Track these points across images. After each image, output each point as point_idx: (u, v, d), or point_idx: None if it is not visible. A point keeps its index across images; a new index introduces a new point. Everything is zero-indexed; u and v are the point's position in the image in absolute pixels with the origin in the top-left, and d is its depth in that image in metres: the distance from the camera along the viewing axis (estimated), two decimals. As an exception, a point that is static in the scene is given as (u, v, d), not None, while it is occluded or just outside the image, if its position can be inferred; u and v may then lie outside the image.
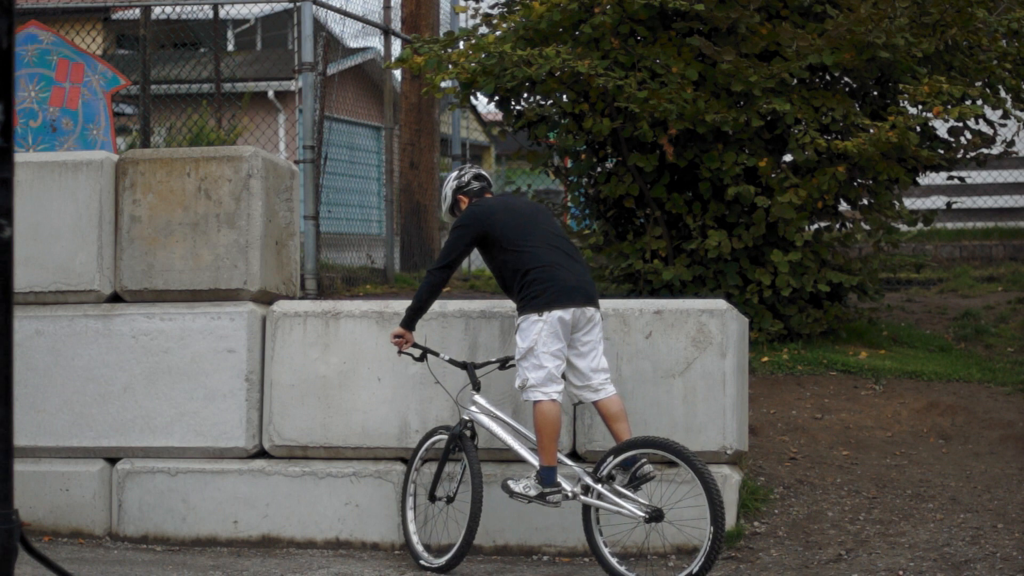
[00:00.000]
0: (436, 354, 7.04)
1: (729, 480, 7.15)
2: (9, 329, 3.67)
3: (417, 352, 7.01)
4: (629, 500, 6.48)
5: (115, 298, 7.92)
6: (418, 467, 7.13)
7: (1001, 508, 7.30)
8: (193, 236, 7.71)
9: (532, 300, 6.56)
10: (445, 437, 7.00)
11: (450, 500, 7.02)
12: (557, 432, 6.59)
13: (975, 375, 9.25)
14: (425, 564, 6.96)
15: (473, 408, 6.91)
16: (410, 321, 6.93)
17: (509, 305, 7.40)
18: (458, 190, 7.09)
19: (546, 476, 6.59)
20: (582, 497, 6.57)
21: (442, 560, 6.87)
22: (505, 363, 6.99)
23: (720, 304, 7.28)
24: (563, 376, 6.67)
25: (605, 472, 6.53)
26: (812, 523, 7.21)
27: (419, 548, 7.03)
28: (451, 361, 7.01)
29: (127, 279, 7.82)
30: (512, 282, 6.72)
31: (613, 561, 6.56)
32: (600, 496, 6.52)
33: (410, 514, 7.10)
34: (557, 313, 6.53)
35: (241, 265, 7.67)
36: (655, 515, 6.43)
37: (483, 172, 7.12)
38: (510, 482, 6.72)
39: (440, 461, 7.00)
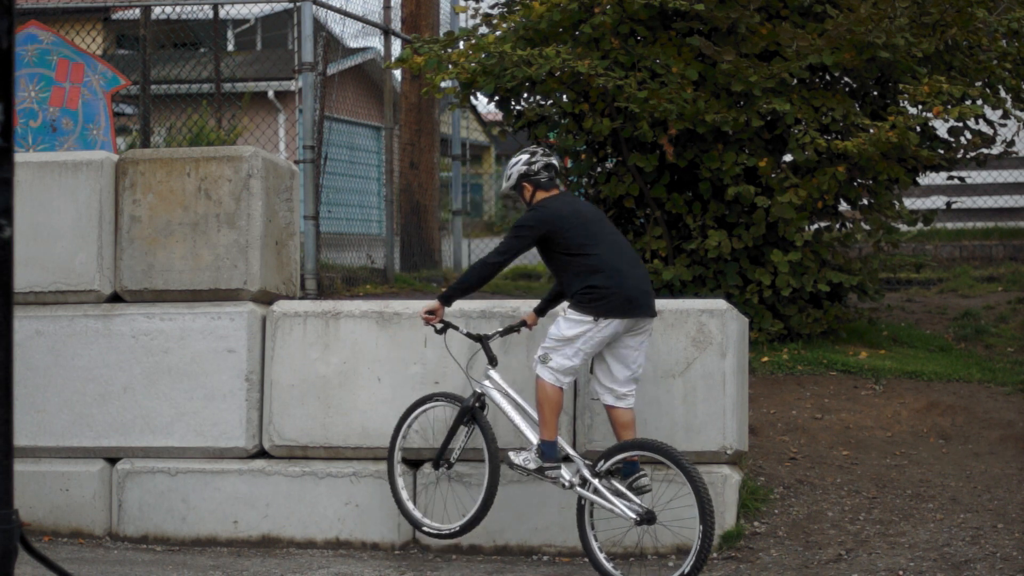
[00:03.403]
0: (456, 328, 7.03)
1: (729, 480, 7.15)
2: (9, 329, 3.67)
3: (439, 325, 6.98)
4: (623, 500, 6.50)
5: (115, 298, 7.92)
6: (404, 434, 7.13)
7: (1001, 508, 7.30)
8: (193, 236, 7.71)
9: (592, 303, 6.50)
10: (441, 405, 7.05)
11: (450, 466, 7.02)
12: (559, 408, 6.62)
13: (975, 375, 9.25)
14: (429, 531, 6.99)
15: (487, 383, 6.90)
16: (449, 299, 6.87)
17: (509, 305, 7.41)
18: (524, 176, 6.90)
19: (546, 450, 6.60)
20: (579, 489, 6.59)
21: (454, 526, 6.91)
22: (507, 332, 7.06)
23: (720, 304, 7.28)
24: (591, 371, 6.74)
25: (604, 468, 6.55)
26: (812, 523, 7.21)
27: (417, 514, 7.07)
28: (468, 334, 7.01)
29: (127, 279, 7.82)
30: (573, 280, 6.61)
31: (601, 556, 6.60)
32: (596, 491, 6.54)
33: (400, 481, 7.12)
34: (614, 323, 6.51)
35: (241, 265, 7.68)
36: (647, 517, 6.46)
37: (553, 162, 6.93)
38: (511, 454, 6.73)
39: (452, 429, 6.98)
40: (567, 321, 6.57)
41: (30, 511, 7.71)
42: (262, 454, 7.74)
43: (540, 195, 6.86)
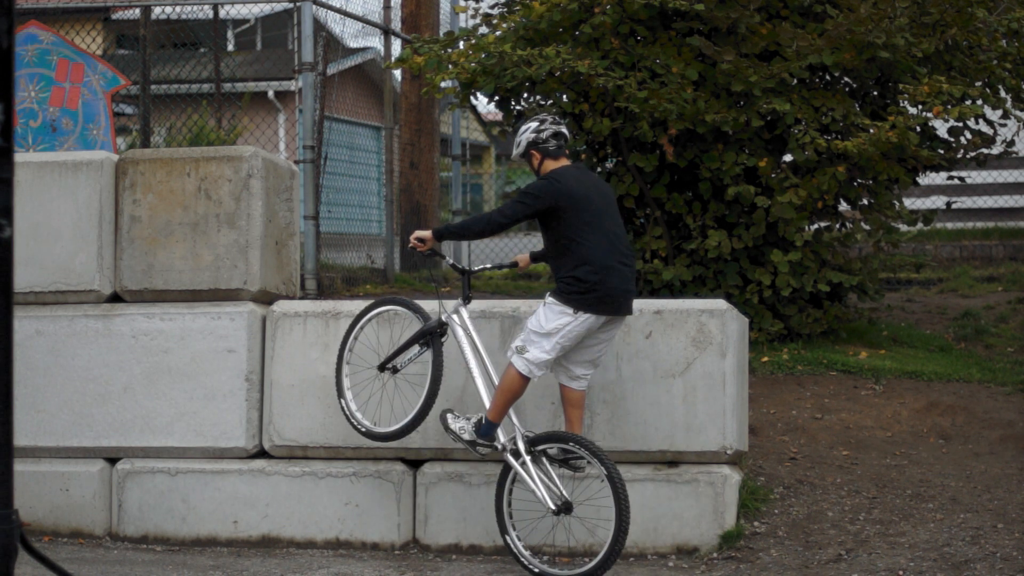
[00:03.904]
0: (442, 256, 7.17)
1: (729, 480, 7.15)
2: (9, 329, 3.67)
3: (427, 251, 6.99)
4: (547, 486, 6.56)
5: (115, 298, 7.92)
6: (357, 334, 7.20)
7: (1001, 508, 7.30)
8: (193, 236, 7.71)
9: (572, 295, 6.52)
10: (397, 311, 7.15)
11: (395, 372, 7.05)
12: (517, 398, 6.66)
13: (975, 375, 9.25)
14: (362, 429, 7.04)
15: (455, 317, 6.91)
16: (442, 236, 6.92)
17: (509, 305, 7.41)
18: (533, 144, 6.82)
19: (486, 429, 6.67)
20: (508, 456, 6.65)
21: (392, 428, 6.98)
22: (496, 268, 7.35)
23: (720, 304, 7.28)
24: None
25: (540, 448, 6.61)
26: (812, 523, 7.21)
27: (359, 415, 7.10)
28: (453, 266, 7.09)
29: (127, 279, 7.82)
30: (559, 262, 6.64)
31: (513, 533, 6.71)
32: (524, 465, 6.59)
33: (345, 373, 7.16)
34: (592, 318, 6.53)
35: (241, 265, 7.68)
36: (564, 508, 6.54)
37: (563, 131, 6.85)
38: (449, 416, 6.79)
39: (408, 342, 6.99)
40: (547, 311, 6.57)
41: (30, 511, 7.71)
42: (262, 454, 7.74)
43: (548, 164, 6.81)
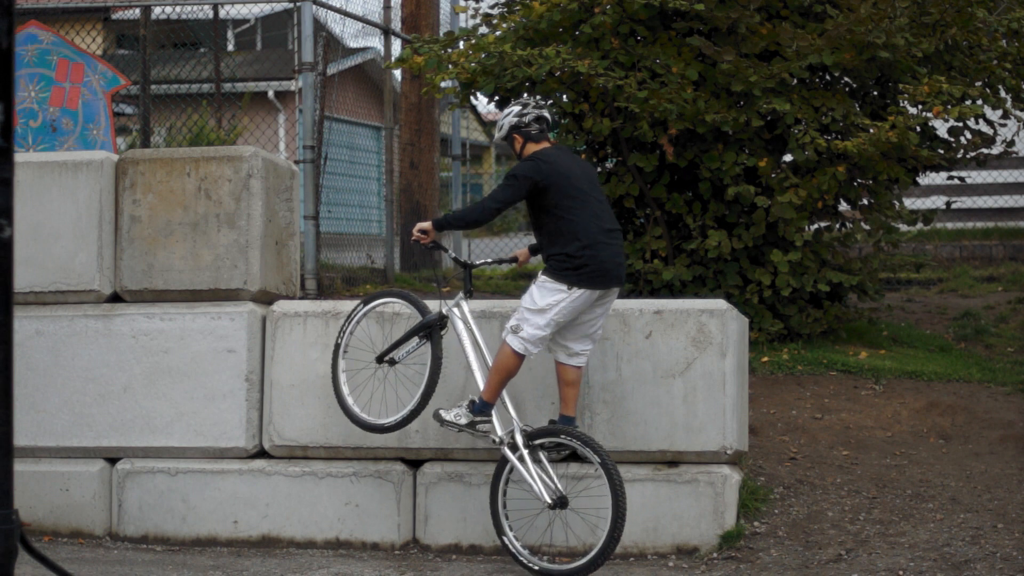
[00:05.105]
0: (445, 250, 7.19)
1: (729, 480, 7.15)
2: (9, 329, 3.67)
3: (430, 244, 7.02)
4: (543, 480, 6.60)
5: (115, 298, 7.92)
6: (353, 329, 7.18)
7: (1001, 508, 7.30)
8: (193, 236, 7.71)
9: (565, 271, 6.57)
10: (395, 302, 7.18)
11: (393, 364, 7.04)
12: (512, 376, 6.70)
13: (975, 375, 9.25)
14: (364, 419, 7.05)
15: (455, 310, 6.95)
16: (442, 226, 6.97)
17: (510, 305, 7.40)
18: (515, 128, 6.89)
19: (481, 407, 6.71)
20: (506, 449, 6.68)
21: (392, 419, 6.98)
22: (497, 263, 7.39)
23: (720, 304, 7.28)
24: None
25: (538, 442, 6.65)
26: (812, 523, 7.21)
27: (355, 409, 7.10)
28: (455, 259, 7.16)
29: (127, 279, 7.82)
30: (549, 242, 6.70)
31: (510, 533, 6.74)
32: (521, 459, 6.63)
33: (342, 377, 7.14)
34: (585, 293, 6.57)
35: (241, 265, 7.68)
36: (560, 502, 6.59)
37: (545, 115, 6.91)
38: (441, 411, 6.82)
39: (407, 334, 7.01)
40: (540, 289, 6.62)
41: (30, 511, 7.71)
42: (262, 454, 7.74)
43: (531, 147, 6.88)
